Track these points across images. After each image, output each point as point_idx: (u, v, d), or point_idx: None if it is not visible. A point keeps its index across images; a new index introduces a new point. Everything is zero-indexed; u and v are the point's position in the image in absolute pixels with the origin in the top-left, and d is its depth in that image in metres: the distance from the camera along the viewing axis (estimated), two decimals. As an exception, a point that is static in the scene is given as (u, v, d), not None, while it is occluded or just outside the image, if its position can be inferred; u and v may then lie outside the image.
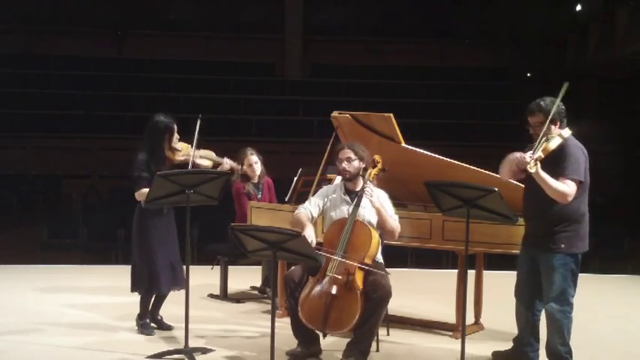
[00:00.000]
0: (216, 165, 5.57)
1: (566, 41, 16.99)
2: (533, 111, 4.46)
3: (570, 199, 4.32)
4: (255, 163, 6.57)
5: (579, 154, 4.40)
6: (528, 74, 18.45)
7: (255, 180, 6.61)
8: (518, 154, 4.45)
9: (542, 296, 4.61)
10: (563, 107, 4.45)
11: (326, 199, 5.04)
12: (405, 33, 17.99)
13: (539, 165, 4.23)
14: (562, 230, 4.41)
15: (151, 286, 5.31)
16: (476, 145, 15.03)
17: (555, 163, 4.33)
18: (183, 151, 5.36)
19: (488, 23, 17.87)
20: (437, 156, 5.57)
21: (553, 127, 4.39)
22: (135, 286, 5.37)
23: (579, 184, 4.36)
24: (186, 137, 5.44)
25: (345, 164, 4.92)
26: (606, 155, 14.40)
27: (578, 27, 16.58)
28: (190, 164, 5.27)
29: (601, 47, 14.92)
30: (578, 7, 17.26)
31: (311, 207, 5.03)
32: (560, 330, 4.50)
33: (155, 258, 5.26)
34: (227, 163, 5.74)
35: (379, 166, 4.95)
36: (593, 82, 16.35)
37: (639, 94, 14.68)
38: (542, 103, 4.46)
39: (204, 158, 5.48)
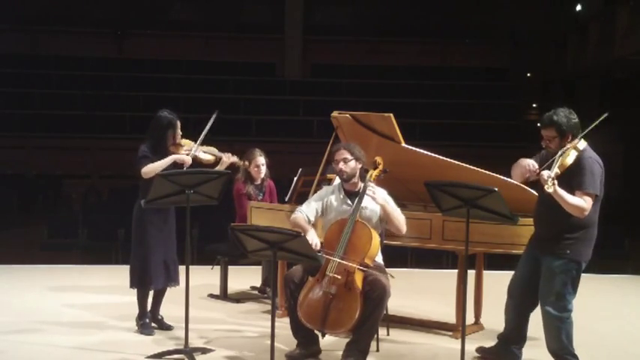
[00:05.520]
0: (217, 160, 5.53)
1: (566, 41, 17.00)
2: (546, 124, 4.39)
3: (587, 213, 4.29)
4: (262, 164, 6.56)
5: (596, 167, 4.35)
6: (528, 74, 18.45)
7: (258, 182, 6.60)
8: (529, 162, 4.42)
9: (535, 297, 4.62)
10: (577, 121, 4.39)
11: (325, 201, 5.04)
12: (405, 33, 17.99)
13: (556, 183, 4.14)
14: (570, 237, 4.39)
15: (142, 282, 5.33)
16: (476, 145, 15.04)
17: (571, 176, 4.28)
18: (186, 146, 5.41)
19: (488, 23, 17.87)
20: (437, 156, 5.56)
21: (564, 141, 4.33)
22: (131, 282, 5.40)
23: (595, 197, 4.32)
24: (186, 135, 5.49)
25: (341, 165, 4.91)
26: (606, 155, 14.35)
27: (578, 27, 16.59)
28: (191, 157, 5.29)
29: (601, 47, 14.93)
30: (578, 7, 17.28)
31: (308, 210, 5.02)
32: (557, 335, 4.50)
33: (149, 254, 5.28)
34: (227, 157, 5.56)
35: (380, 167, 4.94)
36: (593, 82, 16.36)
37: (639, 94, 14.68)
38: (554, 117, 4.36)
39: (207, 153, 5.51)
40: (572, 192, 4.27)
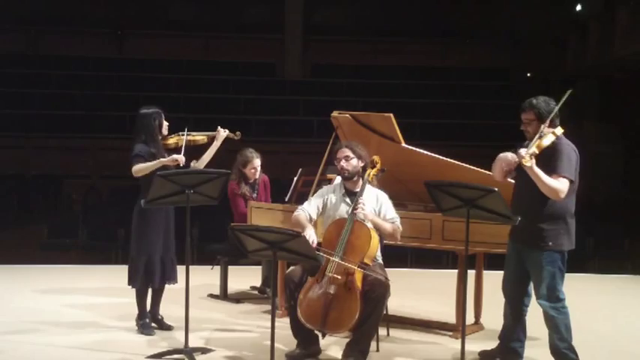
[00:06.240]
0: (211, 137, 5.58)
1: (566, 41, 16.99)
2: (525, 108, 4.57)
3: (563, 195, 4.38)
4: (258, 166, 6.56)
5: (572, 153, 4.46)
6: (528, 74, 18.44)
7: (252, 180, 6.60)
8: (508, 154, 4.55)
9: (528, 292, 4.72)
10: (555, 107, 4.50)
11: (325, 200, 5.05)
12: (405, 33, 17.99)
13: (534, 160, 4.29)
14: (550, 228, 4.47)
15: (147, 280, 5.34)
16: (476, 145, 15.02)
17: (548, 160, 4.38)
18: (175, 137, 5.46)
19: (489, 23, 17.87)
20: (437, 156, 5.57)
21: (542, 125, 4.43)
22: (131, 280, 5.39)
23: (571, 182, 4.41)
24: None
25: (343, 162, 4.95)
26: (606, 155, 14.39)
27: (578, 27, 16.58)
28: (184, 143, 5.33)
29: (601, 47, 14.92)
30: (578, 7, 17.27)
31: (310, 208, 5.04)
32: (556, 326, 4.54)
33: (152, 252, 5.30)
34: (222, 131, 5.60)
35: (378, 166, 4.95)
36: (593, 82, 16.36)
37: (639, 94, 14.68)
38: (534, 100, 4.55)
39: (198, 135, 5.56)
40: (549, 176, 4.37)
